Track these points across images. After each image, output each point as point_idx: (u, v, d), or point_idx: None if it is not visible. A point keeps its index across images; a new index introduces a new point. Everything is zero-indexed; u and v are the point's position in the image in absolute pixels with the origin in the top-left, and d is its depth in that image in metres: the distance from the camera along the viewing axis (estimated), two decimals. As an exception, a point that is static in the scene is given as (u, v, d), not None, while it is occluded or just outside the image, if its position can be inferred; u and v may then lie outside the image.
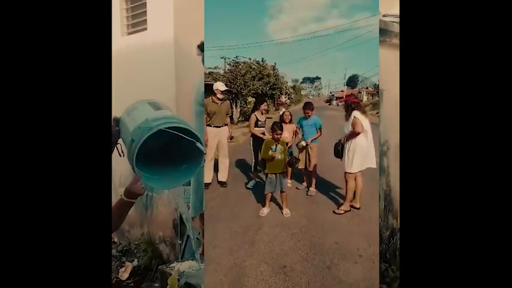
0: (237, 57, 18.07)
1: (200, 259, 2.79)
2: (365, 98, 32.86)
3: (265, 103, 4.63)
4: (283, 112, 4.49)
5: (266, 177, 3.62)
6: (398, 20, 1.48)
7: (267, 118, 4.75)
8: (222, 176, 4.45)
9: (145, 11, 3.82)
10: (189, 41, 3.34)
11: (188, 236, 3.35)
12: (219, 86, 4.21)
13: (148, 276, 3.50)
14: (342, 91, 46.83)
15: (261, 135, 4.31)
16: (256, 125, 4.39)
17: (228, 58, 17.72)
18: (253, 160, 4.48)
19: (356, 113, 3.39)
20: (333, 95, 51.48)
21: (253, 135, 4.42)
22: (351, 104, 3.48)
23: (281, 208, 3.63)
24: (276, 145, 3.44)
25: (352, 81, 54.30)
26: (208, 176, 4.31)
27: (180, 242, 3.50)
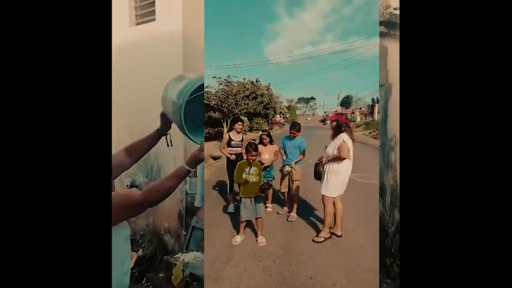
0: (228, 76, 18.06)
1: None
2: (358, 118, 33.06)
3: (240, 122, 4.38)
4: (261, 134, 4.27)
5: (240, 201, 3.36)
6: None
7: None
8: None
9: (154, 1, 3.81)
10: (197, 32, 3.34)
11: (193, 227, 3.34)
12: None
13: (153, 266, 3.46)
14: (335, 111, 47.26)
15: (228, 155, 4.09)
16: (229, 145, 4.18)
17: (220, 77, 17.70)
18: (229, 181, 4.23)
19: (344, 136, 3.17)
20: (327, 115, 51.76)
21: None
22: (341, 125, 3.26)
23: (257, 236, 3.36)
24: (250, 167, 3.21)
25: (346, 102, 54.98)
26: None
27: (185, 233, 3.46)
